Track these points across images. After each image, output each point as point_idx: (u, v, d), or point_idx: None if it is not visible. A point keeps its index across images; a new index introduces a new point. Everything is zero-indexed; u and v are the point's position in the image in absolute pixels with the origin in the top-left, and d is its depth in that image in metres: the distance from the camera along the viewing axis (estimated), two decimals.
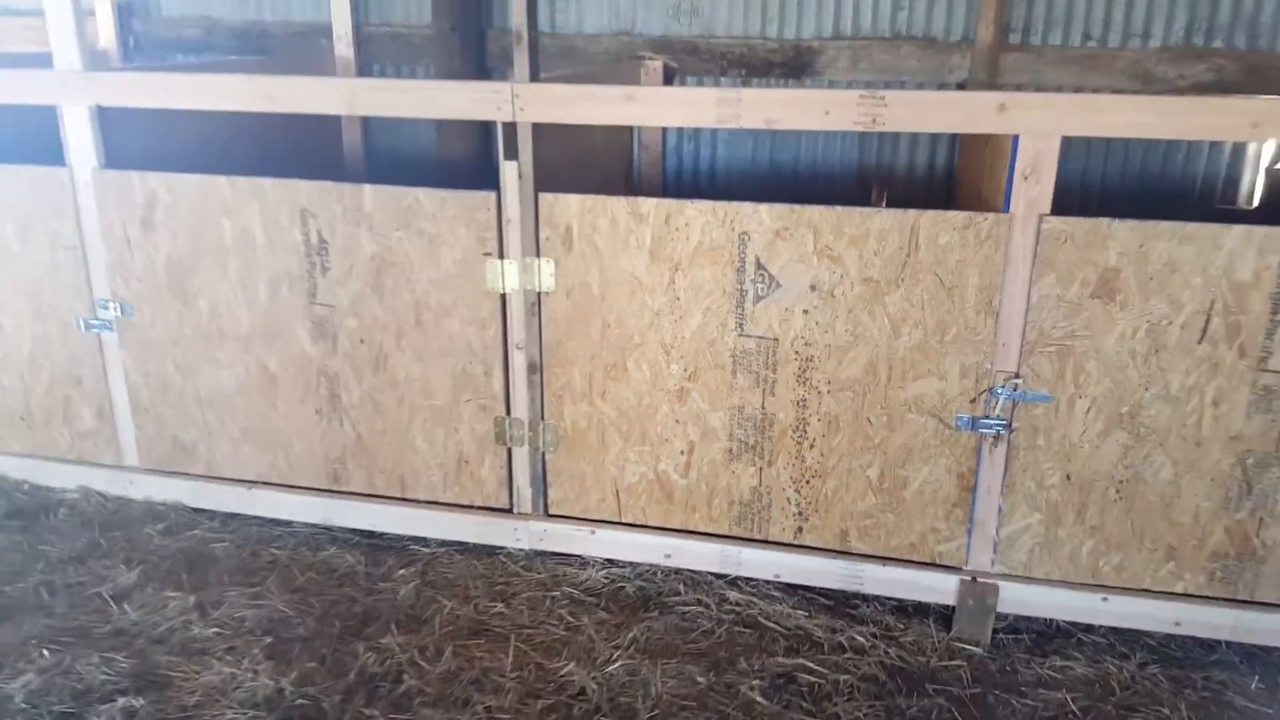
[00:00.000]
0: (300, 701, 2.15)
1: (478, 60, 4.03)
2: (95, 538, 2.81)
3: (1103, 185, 3.75)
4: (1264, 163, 3.73)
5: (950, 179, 3.83)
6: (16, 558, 2.72)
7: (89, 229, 2.79)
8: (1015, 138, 2.24)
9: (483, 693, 2.21)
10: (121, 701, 2.13)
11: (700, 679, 2.28)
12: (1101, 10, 3.62)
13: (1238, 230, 2.19)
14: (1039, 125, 2.22)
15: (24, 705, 2.12)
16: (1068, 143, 2.31)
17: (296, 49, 4.24)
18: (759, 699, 2.23)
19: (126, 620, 2.44)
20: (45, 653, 2.29)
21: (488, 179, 2.59)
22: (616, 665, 2.32)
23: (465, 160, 3.97)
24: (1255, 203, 3.68)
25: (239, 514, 2.94)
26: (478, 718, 2.12)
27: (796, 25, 3.83)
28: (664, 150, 3.93)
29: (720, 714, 2.17)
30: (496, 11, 4.09)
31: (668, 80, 3.86)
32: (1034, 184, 2.25)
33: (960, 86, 3.69)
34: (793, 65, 3.83)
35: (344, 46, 4.02)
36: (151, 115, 2.77)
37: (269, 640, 2.36)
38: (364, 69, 4.16)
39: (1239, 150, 3.68)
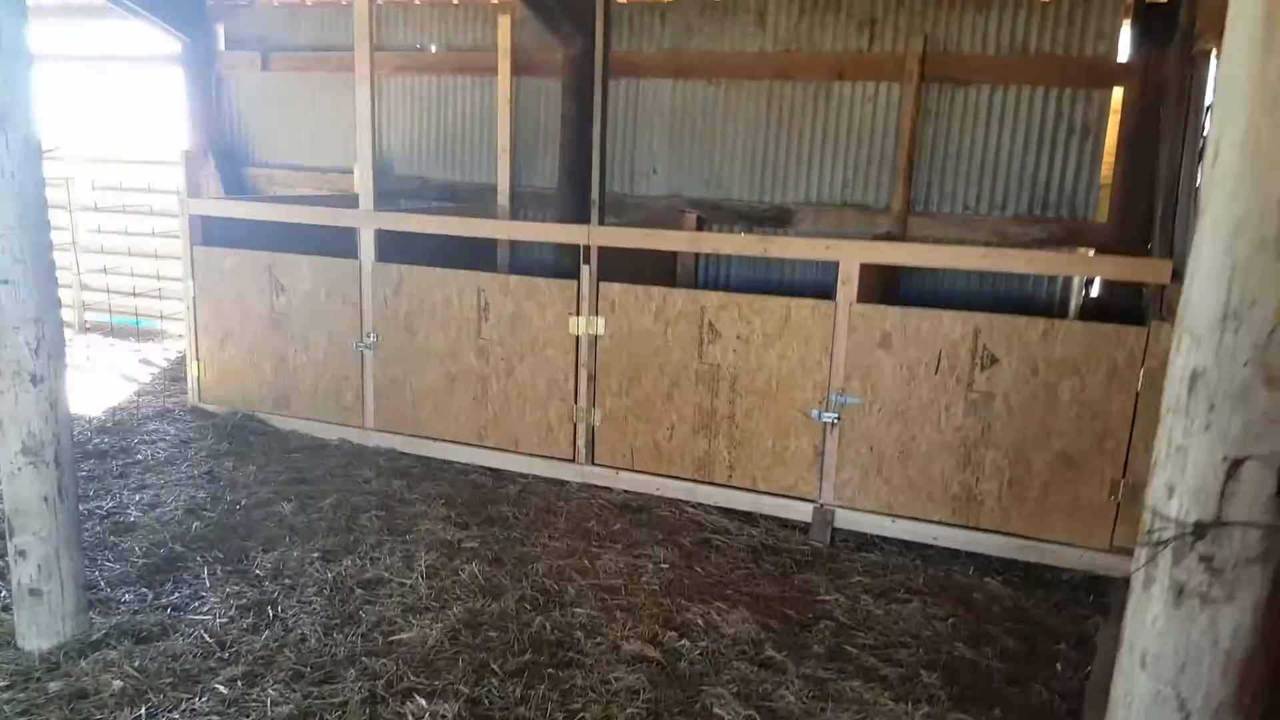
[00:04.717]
0: (461, 519, 4.34)
1: (586, 209, 6.40)
2: (352, 459, 5.13)
3: (982, 305, 5.73)
4: (1081, 293, 5.68)
5: None
6: (320, 468, 5.04)
7: (366, 293, 5.20)
8: (837, 263, 4.36)
9: (549, 529, 4.34)
10: (372, 512, 4.37)
11: (660, 536, 4.34)
12: (974, 190, 5.71)
13: (949, 313, 4.21)
14: (847, 256, 4.32)
15: (331, 507, 4.40)
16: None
17: (475, 200, 6.74)
18: (688, 545, 4.27)
19: (374, 489, 4.72)
20: (334, 495, 4.57)
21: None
22: (618, 527, 4.41)
23: (573, 268, 6.30)
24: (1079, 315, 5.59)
25: (425, 456, 5.21)
26: (546, 535, 4.25)
27: (782, 194, 6.06)
28: (695, 267, 6.18)
29: (667, 547, 4.21)
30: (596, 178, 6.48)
31: (700, 226, 6.14)
32: (848, 286, 4.33)
33: (883, 237, 5.81)
34: (779, 219, 6.05)
35: (504, 200, 6.48)
36: (393, 234, 5.19)
37: (443, 501, 4.58)
38: (516, 214, 6.61)
39: (1067, 283, 5.65)
